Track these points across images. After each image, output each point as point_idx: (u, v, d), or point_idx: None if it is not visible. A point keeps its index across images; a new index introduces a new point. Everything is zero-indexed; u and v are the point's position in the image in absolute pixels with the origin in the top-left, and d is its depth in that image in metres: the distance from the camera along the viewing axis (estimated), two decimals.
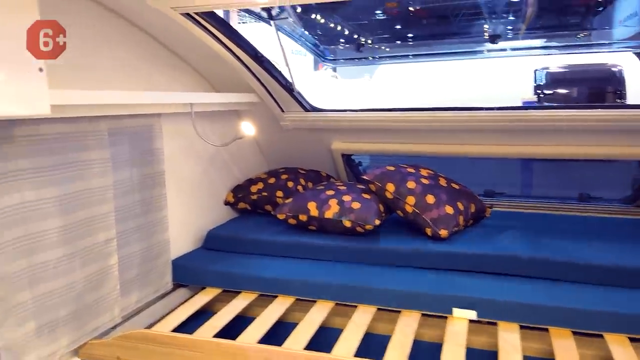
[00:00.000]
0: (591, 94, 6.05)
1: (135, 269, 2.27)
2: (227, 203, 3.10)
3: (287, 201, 2.82)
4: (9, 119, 1.60)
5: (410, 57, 5.00)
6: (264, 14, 2.65)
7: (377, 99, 7.01)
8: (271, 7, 2.53)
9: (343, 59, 4.32)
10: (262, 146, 3.43)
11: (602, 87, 5.98)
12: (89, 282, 1.97)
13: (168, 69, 2.52)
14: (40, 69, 1.50)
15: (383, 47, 4.42)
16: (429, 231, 2.54)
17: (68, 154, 1.86)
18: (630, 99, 5.81)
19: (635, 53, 3.52)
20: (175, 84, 2.58)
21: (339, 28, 4.12)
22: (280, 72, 2.83)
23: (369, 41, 4.16)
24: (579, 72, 6.12)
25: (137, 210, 2.27)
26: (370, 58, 4.33)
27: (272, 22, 2.66)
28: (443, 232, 2.50)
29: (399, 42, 4.53)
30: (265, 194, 3.06)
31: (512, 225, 2.72)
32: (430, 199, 2.60)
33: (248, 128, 2.78)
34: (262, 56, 2.67)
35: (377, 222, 2.56)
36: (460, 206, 2.66)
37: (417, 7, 3.95)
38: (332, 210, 2.63)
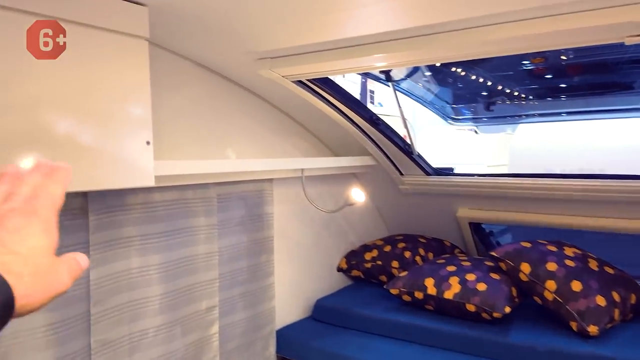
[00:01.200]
0: None
1: (237, 339, 2.20)
2: (340, 270, 2.94)
3: (402, 274, 2.56)
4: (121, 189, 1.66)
5: (563, 115, 4.36)
6: (382, 76, 2.53)
7: (517, 158, 6.39)
8: (389, 69, 2.41)
9: (484, 118, 3.95)
10: (382, 210, 3.24)
11: None
12: (187, 351, 1.93)
13: (283, 132, 2.52)
14: (148, 142, 1.54)
15: (527, 104, 3.96)
16: (574, 325, 2.07)
17: (176, 221, 1.88)
18: None
19: None
20: (290, 147, 2.56)
21: (477, 83, 3.81)
22: (398, 135, 2.67)
23: (507, 99, 3.77)
24: None
25: (242, 277, 2.22)
26: (513, 117, 3.91)
27: (390, 84, 2.53)
28: (592, 329, 2.01)
29: (547, 99, 4.03)
30: (379, 262, 2.85)
31: None
32: (576, 285, 2.14)
33: (358, 195, 2.63)
34: (378, 119, 2.53)
35: (508, 309, 2.17)
36: (616, 297, 2.15)
37: (570, 61, 3.50)
38: (452, 290, 2.30)
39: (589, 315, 2.05)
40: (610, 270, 2.29)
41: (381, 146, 2.67)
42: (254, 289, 2.28)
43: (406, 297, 2.47)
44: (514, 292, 2.27)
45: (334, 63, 1.88)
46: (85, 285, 1.61)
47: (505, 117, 3.97)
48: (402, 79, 2.76)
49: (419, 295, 2.41)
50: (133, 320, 1.74)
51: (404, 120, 2.60)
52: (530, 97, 3.91)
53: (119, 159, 1.46)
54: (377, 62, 1.90)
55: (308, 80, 2.13)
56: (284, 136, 2.52)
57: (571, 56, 3.01)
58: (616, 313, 2.11)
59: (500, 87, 3.79)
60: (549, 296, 2.17)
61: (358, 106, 2.44)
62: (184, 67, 2.02)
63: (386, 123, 2.54)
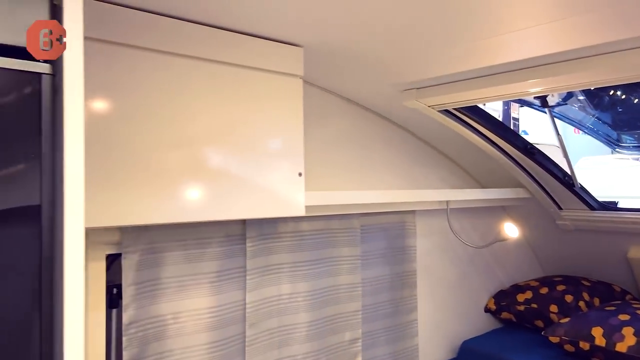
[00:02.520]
0: None
1: None
2: (487, 310, 2.73)
3: (563, 320, 2.28)
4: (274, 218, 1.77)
5: None
6: (537, 102, 2.35)
7: None
8: (546, 94, 2.23)
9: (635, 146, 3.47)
10: (535, 248, 2.96)
11: None
12: None
13: (427, 163, 2.47)
14: (300, 174, 1.62)
15: None
16: None
17: (322, 250, 1.93)
18: None
19: None
20: (435, 179, 2.49)
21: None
22: (556, 165, 2.43)
23: None
24: None
25: (385, 311, 2.18)
26: None
27: (547, 110, 2.33)
28: None
29: None
30: (534, 305, 2.58)
31: None
32: None
33: (511, 230, 2.44)
34: (533, 148, 2.34)
35: None
36: None
37: None
38: (626, 342, 1.99)
39: None
40: None
41: (536, 177, 2.46)
42: (397, 323, 2.23)
43: (569, 347, 2.19)
44: None
45: (483, 91, 1.80)
46: (242, 308, 1.72)
47: None
48: (560, 104, 2.52)
49: (584, 345, 2.12)
50: (282, 346, 1.81)
51: (564, 148, 2.36)
52: None
53: (274, 190, 1.56)
54: (532, 88, 1.77)
55: (455, 108, 2.07)
56: (428, 167, 2.46)
57: None
58: None
59: None
60: None
61: (510, 134, 2.29)
62: (329, 101, 2.11)
63: (542, 152, 2.33)
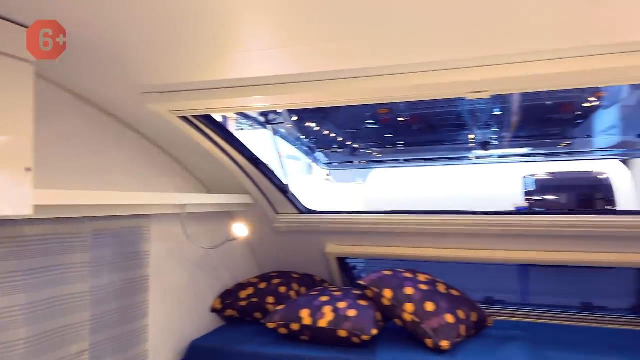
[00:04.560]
0: (580, 201, 6.14)
1: None
2: (214, 310, 2.92)
3: (278, 308, 2.65)
4: None
5: (402, 162, 5.11)
6: (261, 119, 2.70)
7: (370, 202, 7.05)
8: (268, 111, 2.59)
9: (337, 163, 4.40)
10: (255, 249, 3.33)
11: (591, 194, 6.09)
12: None
13: (162, 170, 2.51)
14: (28, 169, 1.46)
15: (376, 153, 4.54)
16: (429, 342, 2.37)
17: (46, 257, 1.75)
18: (620, 206, 5.88)
19: (621, 160, 3.60)
20: (169, 186, 2.55)
21: (333, 135, 4.25)
22: (275, 174, 2.83)
23: (362, 146, 4.27)
24: (566, 180, 6.28)
25: (115, 319, 2.10)
26: (363, 162, 4.41)
27: (268, 125, 2.71)
28: (444, 344, 2.33)
29: (390, 147, 4.67)
30: (255, 299, 2.90)
31: (515, 336, 2.57)
32: (429, 306, 2.46)
33: (240, 229, 2.70)
34: (258, 158, 2.68)
35: (375, 331, 2.40)
36: (462, 315, 2.52)
37: (408, 115, 4.12)
38: (326, 318, 2.46)
39: (441, 331, 2.37)
40: (455, 293, 2.68)
41: (259, 185, 2.80)
42: (127, 331, 2.17)
43: (283, 330, 2.56)
44: (379, 316, 2.51)
45: (219, 101, 1.98)
46: None
47: (357, 162, 4.46)
48: (279, 123, 2.96)
49: (295, 326, 2.52)
50: None
51: (281, 160, 2.78)
52: (379, 145, 4.48)
53: None
54: (258, 103, 2.05)
55: (195, 117, 2.20)
56: (164, 175, 2.51)
57: (415, 109, 3.59)
58: (462, 329, 2.47)
59: (351, 136, 4.28)
60: (408, 317, 2.45)
61: (239, 144, 2.56)
62: (59, 96, 1.94)
63: (265, 162, 2.69)
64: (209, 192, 2.89)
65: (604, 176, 5.96)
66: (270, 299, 2.88)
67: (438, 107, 3.97)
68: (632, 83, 2.95)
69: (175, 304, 2.58)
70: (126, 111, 2.18)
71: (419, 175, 6.90)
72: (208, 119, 2.32)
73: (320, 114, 3.92)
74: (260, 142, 3.03)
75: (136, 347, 2.22)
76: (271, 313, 2.65)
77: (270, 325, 2.58)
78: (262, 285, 2.97)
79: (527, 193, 6.34)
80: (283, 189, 2.85)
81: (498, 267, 4.01)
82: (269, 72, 1.78)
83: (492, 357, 2.27)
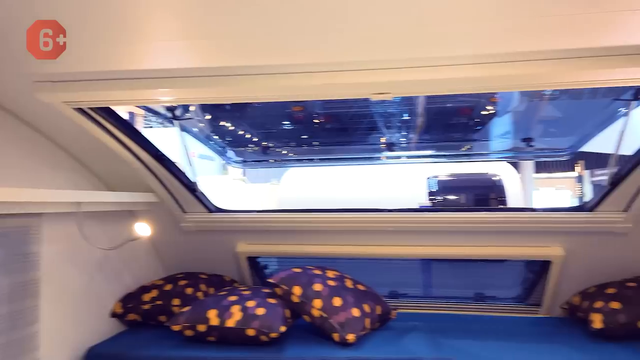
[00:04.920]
0: (477, 200, 6.65)
1: None
2: (114, 315, 2.76)
3: (184, 310, 2.57)
4: None
5: (315, 161, 5.20)
6: (168, 114, 2.61)
7: (283, 201, 7.08)
8: (175, 106, 2.50)
9: (250, 161, 4.36)
10: (160, 250, 3.20)
11: (486, 194, 6.64)
12: None
13: (58, 167, 2.33)
14: None
15: (289, 152, 4.56)
16: (336, 337, 2.43)
17: None
18: (510, 204, 6.46)
19: (509, 162, 3.94)
20: (66, 184, 2.37)
21: (247, 134, 4.20)
22: (182, 172, 2.74)
23: (276, 146, 4.27)
24: (464, 181, 6.78)
25: (1, 326, 1.92)
26: (272, 161, 4.42)
27: (175, 122, 2.62)
28: (350, 337, 2.40)
29: (304, 147, 4.72)
30: (159, 302, 2.79)
31: (416, 327, 2.72)
32: (337, 301, 2.53)
33: (143, 229, 2.59)
34: (163, 155, 2.58)
35: (283, 328, 2.41)
36: (367, 309, 2.61)
37: (321, 116, 4.19)
38: (234, 317, 2.43)
39: (347, 325, 2.44)
40: (362, 288, 2.77)
41: (164, 183, 2.70)
42: (15, 338, 1.99)
43: (189, 332, 2.49)
44: (288, 313, 2.53)
45: (119, 93, 1.88)
46: None
47: (271, 161, 4.47)
48: (189, 118, 2.86)
49: (201, 327, 2.46)
50: None
51: (189, 158, 2.70)
52: (293, 145, 4.52)
53: None
54: (163, 97, 1.98)
55: (94, 110, 2.07)
56: (58, 170, 2.33)
57: (328, 109, 3.66)
58: (367, 322, 2.56)
59: (265, 135, 4.28)
60: (316, 313, 2.49)
61: (142, 140, 2.45)
62: None
63: (171, 159, 2.59)
64: (110, 190, 2.73)
65: (497, 178, 6.53)
66: (176, 301, 2.79)
67: (352, 108, 4.09)
68: (520, 90, 3.25)
69: (70, 308, 2.41)
70: (18, 103, 2.00)
71: (332, 175, 7.06)
72: (108, 113, 2.19)
73: (236, 113, 3.86)
74: (170, 139, 2.92)
75: (25, 355, 2.05)
76: (176, 315, 2.57)
77: (175, 327, 2.50)
78: (168, 287, 2.86)
79: (431, 193, 6.75)
80: (191, 188, 2.77)
81: (403, 262, 4.21)
82: (170, 64, 1.72)
83: (394, 348, 2.38)
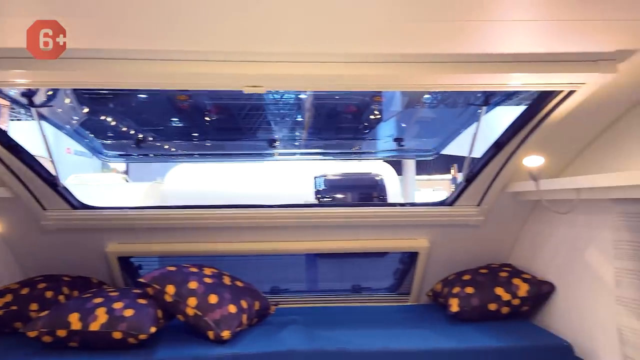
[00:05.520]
0: (361, 198, 7.00)
1: None
2: None
3: (42, 314, 2.35)
4: None
5: (200, 156, 5.06)
6: (24, 100, 2.35)
7: (166, 199, 6.80)
8: (33, 91, 2.27)
9: (124, 155, 4.10)
10: (17, 251, 2.88)
11: (369, 193, 7.02)
12: None
13: None
14: None
15: (174, 147, 4.37)
16: (211, 334, 2.38)
17: None
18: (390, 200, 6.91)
19: (386, 161, 4.19)
20: None
21: (125, 128, 3.96)
22: (41, 165, 2.50)
23: (154, 139, 4.07)
24: (349, 180, 7.11)
25: None
26: (153, 155, 4.21)
27: (33, 109, 2.37)
28: (225, 334, 2.37)
29: (189, 142, 4.57)
30: (14, 307, 2.52)
31: (294, 321, 2.77)
32: (213, 298, 2.48)
33: None
34: (18, 145, 2.33)
35: (153, 329, 2.30)
36: (244, 304, 2.60)
37: (206, 111, 4.09)
38: (99, 321, 2.27)
39: (222, 322, 2.41)
40: (240, 284, 2.75)
41: (20, 177, 2.44)
42: None
43: (47, 338, 2.28)
44: (160, 313, 2.43)
45: None
46: None
47: (152, 155, 4.26)
48: (50, 106, 2.60)
49: (61, 333, 2.26)
50: None
51: (49, 150, 2.47)
52: (178, 139, 4.35)
53: None
54: (13, 79, 1.79)
55: None
56: None
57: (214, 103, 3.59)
58: (244, 318, 2.55)
59: (147, 127, 4.07)
60: (191, 312, 2.43)
61: None
62: None
63: (28, 151, 2.35)
64: None
65: (379, 177, 6.93)
66: (34, 306, 2.54)
67: (239, 100, 4.06)
68: (387, 90, 3.49)
69: None
70: None
71: (219, 173, 6.95)
72: None
73: (114, 104, 3.62)
74: (37, 133, 2.63)
75: None
76: (33, 320, 2.34)
77: (32, 334, 2.27)
78: (24, 291, 2.59)
79: (318, 192, 6.94)
80: (52, 182, 2.53)
81: (287, 258, 4.28)
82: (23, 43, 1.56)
83: (269, 342, 2.40)
